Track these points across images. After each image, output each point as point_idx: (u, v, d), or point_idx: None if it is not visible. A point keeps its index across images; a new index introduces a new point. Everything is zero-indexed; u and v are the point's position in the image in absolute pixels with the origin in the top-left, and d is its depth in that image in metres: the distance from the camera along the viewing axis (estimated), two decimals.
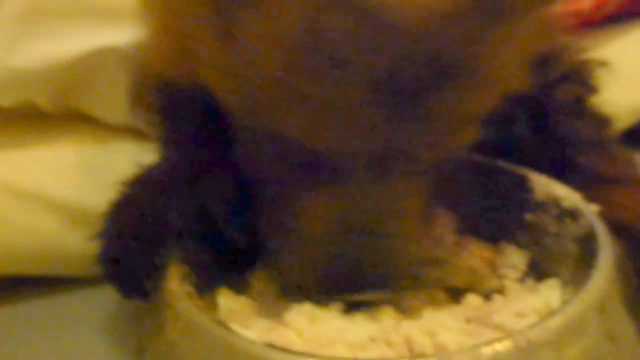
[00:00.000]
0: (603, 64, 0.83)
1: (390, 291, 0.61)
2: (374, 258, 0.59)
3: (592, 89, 0.82)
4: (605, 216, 0.65)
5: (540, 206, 0.69)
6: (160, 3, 0.68)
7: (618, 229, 0.65)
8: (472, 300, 0.63)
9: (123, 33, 0.88)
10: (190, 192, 0.65)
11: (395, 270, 0.61)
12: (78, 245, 0.76)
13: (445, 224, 0.74)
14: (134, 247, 0.66)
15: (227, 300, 0.64)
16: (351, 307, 0.61)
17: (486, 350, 0.49)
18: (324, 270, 0.60)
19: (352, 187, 0.57)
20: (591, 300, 0.54)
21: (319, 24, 0.51)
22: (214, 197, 0.64)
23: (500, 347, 0.49)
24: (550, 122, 0.77)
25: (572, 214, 0.66)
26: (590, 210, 0.65)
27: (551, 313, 0.53)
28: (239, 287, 0.67)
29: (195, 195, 0.65)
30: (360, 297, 0.60)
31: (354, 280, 0.59)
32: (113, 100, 0.90)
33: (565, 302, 0.55)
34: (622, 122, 0.96)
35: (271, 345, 0.52)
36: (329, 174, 0.57)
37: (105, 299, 0.76)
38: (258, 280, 0.68)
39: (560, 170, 0.74)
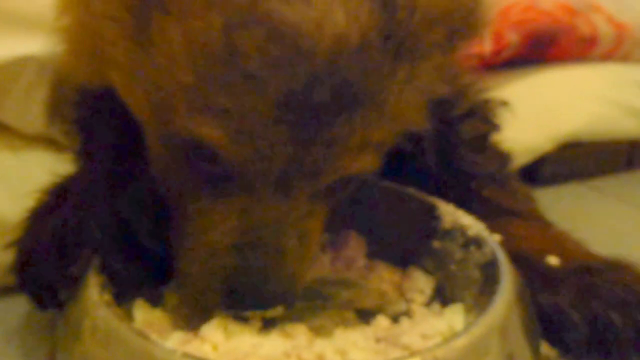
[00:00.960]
0: (504, 103, 0.89)
1: (287, 308, 0.62)
2: (272, 274, 0.60)
3: (494, 127, 0.87)
4: (504, 246, 0.68)
5: (447, 234, 0.72)
6: (78, 2, 0.66)
7: (515, 259, 0.68)
8: (381, 321, 0.65)
9: (41, 43, 0.87)
10: (109, 203, 0.65)
11: (291, 288, 0.62)
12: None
13: (356, 248, 0.77)
14: (51, 256, 0.65)
15: (143, 313, 0.65)
16: (266, 325, 0.63)
17: None
18: (223, 283, 0.60)
19: (256, 201, 0.58)
20: (493, 323, 0.57)
21: (236, 38, 0.53)
22: (133, 208, 0.65)
23: None
24: (455, 155, 0.81)
25: (477, 242, 0.69)
26: (493, 240, 0.69)
27: (457, 334, 0.56)
28: (155, 300, 0.67)
29: (114, 205, 0.65)
30: (260, 313, 0.61)
31: (252, 295, 0.60)
32: (29, 110, 0.90)
33: (469, 325, 0.58)
34: (519, 160, 1.01)
35: (190, 356, 0.53)
36: (235, 186, 0.59)
37: (12, 310, 0.75)
38: (173, 294, 0.69)
39: (464, 201, 0.78)
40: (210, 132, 0.55)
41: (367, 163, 0.61)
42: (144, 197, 0.66)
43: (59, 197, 0.69)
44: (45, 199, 0.70)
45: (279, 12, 0.52)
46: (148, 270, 0.67)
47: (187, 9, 0.55)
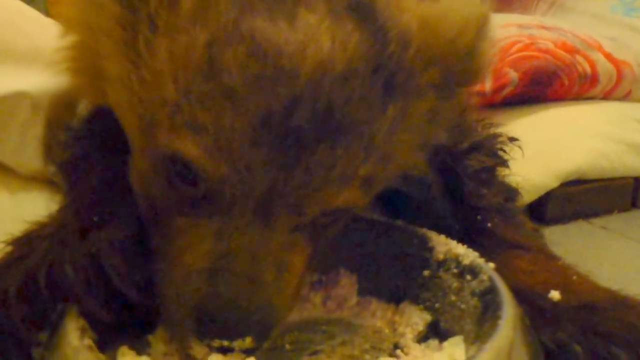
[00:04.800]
0: (512, 139, 0.88)
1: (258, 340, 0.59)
2: (244, 303, 0.57)
3: (502, 161, 0.86)
4: (506, 278, 0.66)
5: (441, 264, 0.70)
6: (78, 20, 0.66)
7: (518, 293, 0.66)
8: None
9: (39, 78, 0.88)
10: (83, 244, 0.62)
11: (264, 320, 0.58)
12: None
13: (347, 286, 0.75)
14: (19, 309, 0.60)
15: None
16: None
17: None
18: (194, 309, 0.57)
19: (232, 225, 0.57)
20: (501, 346, 0.56)
21: (218, 53, 0.53)
22: (108, 249, 0.62)
23: None
24: (461, 188, 0.80)
25: (472, 271, 0.67)
26: (489, 267, 0.67)
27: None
28: (140, 347, 0.65)
29: (88, 247, 0.61)
30: (234, 345, 0.58)
31: (222, 324, 0.57)
32: (25, 148, 0.90)
33: (478, 349, 0.56)
34: (524, 197, 0.99)
35: None
36: (213, 208, 0.57)
37: None
38: (159, 340, 0.66)
39: (469, 234, 0.76)
40: (189, 148, 0.55)
41: (352, 198, 0.60)
42: (122, 237, 0.63)
43: (25, 246, 0.65)
44: (10, 250, 0.65)
45: (263, 30, 0.53)
46: (131, 315, 0.63)
47: (173, 24, 0.56)
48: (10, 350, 0.62)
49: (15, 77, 0.88)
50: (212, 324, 0.57)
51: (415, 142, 0.64)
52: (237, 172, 0.55)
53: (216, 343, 0.57)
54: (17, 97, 0.87)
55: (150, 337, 0.66)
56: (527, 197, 1.07)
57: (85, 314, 0.60)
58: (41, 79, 0.87)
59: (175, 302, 0.59)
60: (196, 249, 0.58)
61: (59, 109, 0.87)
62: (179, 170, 0.57)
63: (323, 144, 0.55)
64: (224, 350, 0.58)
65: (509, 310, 0.60)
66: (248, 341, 0.57)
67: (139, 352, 0.64)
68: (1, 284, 0.62)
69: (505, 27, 1.31)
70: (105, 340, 0.61)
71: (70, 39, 0.68)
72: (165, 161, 0.57)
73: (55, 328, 0.61)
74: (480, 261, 0.68)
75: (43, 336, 0.61)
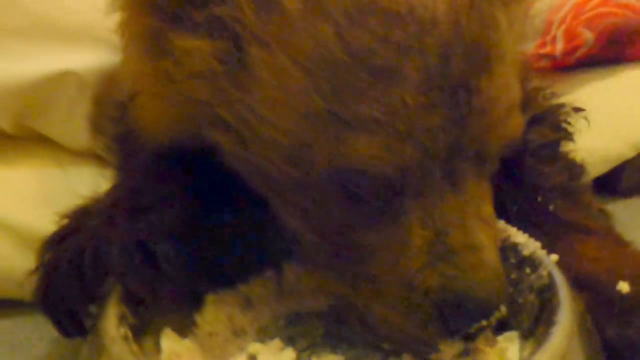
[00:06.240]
0: (578, 109, 0.82)
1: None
2: (481, 277, 0.54)
3: (566, 134, 0.81)
4: (569, 266, 0.62)
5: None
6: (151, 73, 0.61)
7: (582, 283, 0.63)
8: None
9: (85, 56, 0.87)
10: (131, 226, 0.61)
11: (503, 283, 0.56)
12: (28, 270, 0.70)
13: None
14: (70, 283, 0.62)
15: (170, 343, 0.61)
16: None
17: None
18: (437, 309, 0.55)
19: (431, 205, 0.54)
20: (552, 356, 0.53)
21: (354, 39, 0.50)
22: (156, 232, 0.61)
23: None
24: (520, 165, 0.75)
25: (532, 263, 0.64)
26: (550, 261, 0.63)
27: None
28: (184, 328, 0.64)
29: (136, 229, 0.61)
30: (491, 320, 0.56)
31: (472, 308, 0.54)
32: (73, 125, 0.90)
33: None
34: (594, 169, 0.95)
35: None
36: (405, 197, 0.54)
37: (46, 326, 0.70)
38: (205, 320, 0.65)
39: (528, 217, 0.72)
40: (366, 149, 0.52)
41: (518, 124, 0.58)
42: (170, 220, 0.62)
43: (79, 219, 0.66)
44: (65, 222, 0.67)
45: None
46: (177, 296, 0.63)
47: (286, 31, 0.52)
48: (64, 319, 0.64)
49: (61, 55, 0.87)
50: (467, 310, 0.54)
51: (520, 51, 0.61)
52: (421, 146, 0.52)
53: (473, 329, 0.56)
54: (63, 76, 0.87)
55: (196, 316, 0.65)
56: (601, 167, 1.02)
57: (128, 296, 0.60)
58: (87, 57, 0.86)
59: (409, 316, 0.56)
60: (406, 251, 0.55)
61: (107, 85, 0.86)
62: (357, 181, 0.54)
63: (483, 78, 0.53)
64: (471, 337, 0.57)
65: (565, 315, 0.56)
66: (504, 311, 0.56)
67: (184, 332, 0.63)
68: (54, 255, 0.64)
69: None
70: (148, 321, 0.61)
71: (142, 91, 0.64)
72: (338, 180, 0.54)
73: (101, 307, 0.61)
74: (542, 253, 0.64)
75: (94, 308, 0.62)
